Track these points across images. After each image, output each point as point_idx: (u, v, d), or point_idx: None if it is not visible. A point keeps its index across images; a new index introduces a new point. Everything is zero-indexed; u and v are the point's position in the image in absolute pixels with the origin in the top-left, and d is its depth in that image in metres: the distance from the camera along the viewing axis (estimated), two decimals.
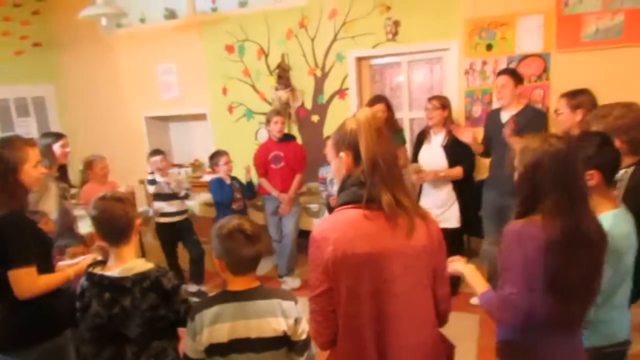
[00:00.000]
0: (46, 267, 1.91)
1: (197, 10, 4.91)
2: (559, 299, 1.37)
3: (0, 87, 5.18)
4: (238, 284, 1.54)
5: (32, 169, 1.92)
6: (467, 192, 3.52)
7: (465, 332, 3.08)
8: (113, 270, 1.64)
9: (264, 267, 4.42)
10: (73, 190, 3.62)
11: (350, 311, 1.30)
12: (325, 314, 1.32)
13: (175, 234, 4.01)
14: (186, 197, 4.02)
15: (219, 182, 3.96)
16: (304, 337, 1.53)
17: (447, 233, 3.42)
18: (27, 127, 5.45)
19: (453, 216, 3.49)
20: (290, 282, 4.02)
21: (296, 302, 1.53)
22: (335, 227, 1.29)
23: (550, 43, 3.64)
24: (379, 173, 1.26)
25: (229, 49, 4.83)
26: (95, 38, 5.42)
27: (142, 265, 1.66)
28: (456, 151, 3.39)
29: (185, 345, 1.58)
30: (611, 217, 1.54)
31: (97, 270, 1.67)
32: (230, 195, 3.94)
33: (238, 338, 1.50)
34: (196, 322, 1.53)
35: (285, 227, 4.08)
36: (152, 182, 3.90)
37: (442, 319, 1.42)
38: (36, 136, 5.44)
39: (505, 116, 3.18)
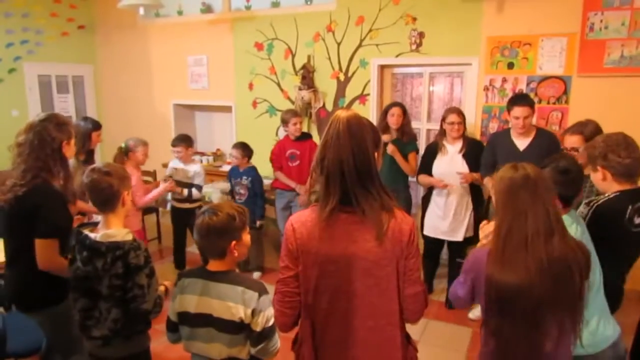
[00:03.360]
0: (65, 246, 2.08)
1: (232, 7, 5.12)
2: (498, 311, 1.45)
3: (45, 64, 5.53)
4: (214, 265, 1.68)
5: (73, 145, 2.21)
6: (482, 204, 3.59)
7: (456, 343, 3.17)
8: (97, 233, 1.80)
9: (270, 260, 4.55)
10: None
11: (309, 301, 1.42)
12: (293, 296, 1.43)
13: (185, 219, 4.09)
14: (198, 188, 4.14)
15: (232, 169, 4.19)
16: (259, 329, 1.59)
17: (458, 245, 3.57)
18: (65, 103, 5.80)
19: (469, 224, 3.49)
20: None
21: (260, 295, 1.60)
22: (305, 222, 1.39)
23: (571, 66, 3.62)
24: (334, 175, 1.33)
25: (259, 46, 4.99)
26: (134, 25, 5.71)
27: (122, 235, 1.79)
28: (475, 157, 3.39)
29: (169, 307, 1.74)
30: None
31: (85, 230, 1.83)
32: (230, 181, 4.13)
33: (202, 312, 1.63)
34: (177, 286, 1.71)
35: None
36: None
37: (411, 317, 1.44)
38: (73, 112, 5.80)
39: (521, 143, 3.13)
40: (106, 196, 1.82)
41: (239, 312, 1.57)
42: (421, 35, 4.18)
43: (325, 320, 1.41)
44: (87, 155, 3.44)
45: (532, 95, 3.78)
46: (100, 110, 6.12)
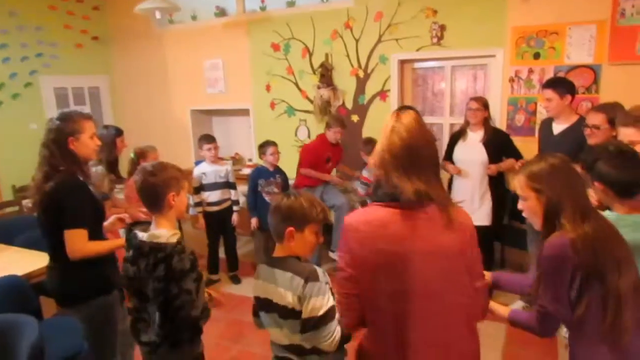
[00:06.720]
0: (96, 234, 2.12)
1: (246, 9, 5.06)
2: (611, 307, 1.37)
3: (61, 77, 5.53)
4: (277, 250, 1.65)
5: (89, 140, 2.14)
6: (502, 194, 3.59)
7: (491, 341, 3.10)
8: (146, 232, 1.75)
9: None
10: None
11: (371, 305, 1.37)
12: (349, 297, 1.38)
13: (220, 221, 4.10)
14: (233, 187, 4.16)
15: (258, 170, 4.13)
16: (306, 315, 1.51)
17: (478, 231, 3.53)
18: None
19: (485, 213, 3.54)
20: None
21: (307, 281, 1.51)
22: (366, 221, 1.34)
23: (602, 54, 3.53)
24: (407, 165, 1.31)
25: (275, 47, 4.94)
26: (148, 34, 5.68)
27: (167, 237, 1.72)
28: (496, 146, 3.47)
29: None
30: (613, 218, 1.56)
31: (136, 229, 1.78)
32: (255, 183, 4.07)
33: (266, 297, 1.61)
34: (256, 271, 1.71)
35: (335, 200, 4.09)
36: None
37: (479, 312, 1.44)
38: None
39: (556, 128, 3.14)
40: (151, 197, 1.76)
41: (288, 297, 1.53)
42: (442, 28, 4.10)
43: (395, 323, 1.35)
44: (112, 164, 3.43)
45: None
46: (118, 120, 6.09)
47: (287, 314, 1.54)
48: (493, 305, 1.62)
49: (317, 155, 4.14)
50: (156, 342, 1.74)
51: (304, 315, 1.51)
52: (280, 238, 1.60)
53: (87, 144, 2.12)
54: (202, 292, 1.79)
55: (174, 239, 1.71)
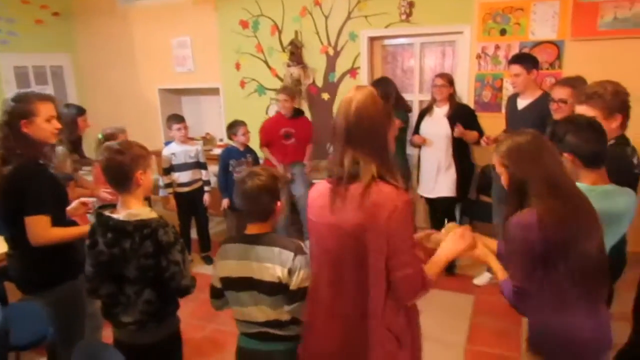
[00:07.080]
0: (60, 218, 2.05)
1: None
2: (578, 275, 1.42)
3: (21, 55, 5.30)
4: (253, 229, 1.66)
5: (45, 123, 2.00)
6: (467, 167, 3.68)
7: (459, 310, 3.22)
8: (119, 213, 1.73)
9: None
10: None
11: (313, 270, 1.54)
12: None
13: (191, 202, 4.07)
14: (204, 167, 4.12)
15: (228, 151, 4.09)
16: (295, 287, 1.57)
17: (441, 202, 3.64)
18: None
19: (449, 185, 3.59)
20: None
21: (296, 254, 1.58)
22: (311, 194, 1.50)
23: (565, 30, 3.59)
24: (337, 143, 1.38)
25: (244, 24, 4.84)
26: (113, 10, 5.48)
27: (146, 213, 1.74)
28: (460, 120, 3.48)
29: (212, 274, 1.74)
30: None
31: (106, 212, 1.76)
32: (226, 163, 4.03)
33: (243, 276, 1.62)
34: (218, 253, 1.71)
35: (296, 191, 4.12)
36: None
37: (401, 297, 1.37)
38: None
39: (521, 103, 3.18)
40: (118, 176, 1.73)
41: (277, 272, 1.57)
42: (411, 4, 4.09)
43: (317, 286, 1.49)
44: (75, 143, 3.34)
45: None
46: (83, 101, 5.89)
47: (274, 289, 1.58)
48: (496, 266, 1.64)
49: (271, 131, 4.11)
50: (142, 320, 1.75)
51: (293, 286, 1.57)
52: (267, 216, 1.64)
53: (42, 127, 1.99)
54: (188, 261, 1.82)
55: (154, 214, 1.75)
